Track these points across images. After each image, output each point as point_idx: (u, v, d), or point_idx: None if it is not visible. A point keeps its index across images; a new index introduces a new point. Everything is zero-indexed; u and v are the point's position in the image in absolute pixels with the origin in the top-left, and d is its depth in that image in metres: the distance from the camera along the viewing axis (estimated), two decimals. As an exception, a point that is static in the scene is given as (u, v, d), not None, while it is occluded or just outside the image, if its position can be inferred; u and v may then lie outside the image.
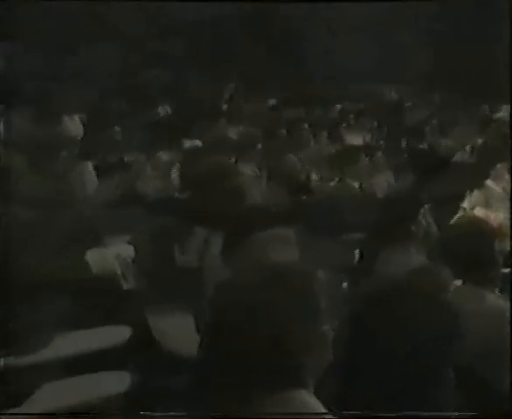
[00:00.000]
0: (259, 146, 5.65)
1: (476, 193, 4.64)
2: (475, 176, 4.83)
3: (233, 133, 6.15)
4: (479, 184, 4.72)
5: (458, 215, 4.51)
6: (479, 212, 4.44)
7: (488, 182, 4.82)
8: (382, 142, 6.20)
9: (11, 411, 2.87)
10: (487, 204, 4.55)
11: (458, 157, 5.73)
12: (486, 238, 3.16)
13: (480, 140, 5.89)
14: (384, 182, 5.32)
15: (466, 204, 4.59)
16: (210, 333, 2.41)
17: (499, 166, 4.96)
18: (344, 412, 2.41)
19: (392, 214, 3.87)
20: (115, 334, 2.90)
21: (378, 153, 5.68)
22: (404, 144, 6.27)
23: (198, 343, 2.67)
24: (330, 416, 2.18)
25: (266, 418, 2.46)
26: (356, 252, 4.05)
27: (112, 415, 3.02)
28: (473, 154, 5.63)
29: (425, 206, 4.26)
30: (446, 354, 2.72)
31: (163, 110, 6.27)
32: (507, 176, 4.87)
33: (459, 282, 3.16)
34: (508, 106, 6.25)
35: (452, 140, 6.22)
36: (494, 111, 6.68)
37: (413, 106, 7.09)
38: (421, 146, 6.13)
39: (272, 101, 6.85)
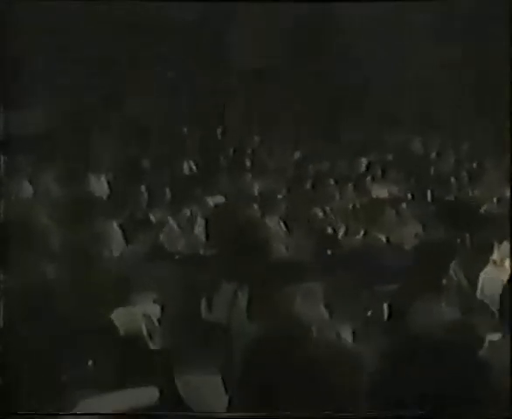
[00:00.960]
0: (285, 200, 5.64)
1: (505, 244, 4.57)
2: (504, 228, 4.76)
3: (258, 186, 6.15)
4: (507, 236, 4.65)
5: (488, 267, 4.45)
6: (508, 264, 4.37)
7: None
8: (409, 194, 6.16)
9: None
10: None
11: (486, 208, 5.67)
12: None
13: (507, 191, 5.82)
14: (411, 235, 5.26)
15: (495, 256, 4.51)
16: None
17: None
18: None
19: (422, 267, 3.81)
20: (143, 396, 2.85)
21: (405, 205, 5.64)
22: (430, 195, 6.22)
23: (227, 403, 2.63)
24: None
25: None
26: (385, 306, 3.98)
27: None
28: (501, 204, 5.56)
29: (456, 259, 4.22)
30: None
31: (188, 166, 6.30)
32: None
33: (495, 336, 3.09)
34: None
35: (479, 190, 6.17)
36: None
37: (440, 156, 7.06)
38: (448, 197, 6.08)
39: (297, 154, 6.86)
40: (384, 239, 5.12)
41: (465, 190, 6.24)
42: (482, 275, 4.39)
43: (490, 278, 4.34)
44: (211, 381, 3.13)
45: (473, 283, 4.40)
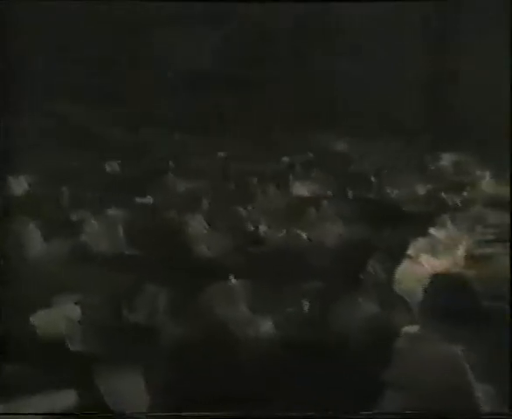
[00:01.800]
0: (209, 199, 5.64)
1: (420, 240, 4.71)
2: (420, 225, 4.90)
3: (182, 186, 6.12)
4: (423, 232, 4.79)
5: (404, 262, 4.56)
6: (423, 259, 4.50)
7: (432, 231, 4.90)
8: (330, 193, 6.23)
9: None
10: (431, 252, 4.62)
11: (404, 206, 5.81)
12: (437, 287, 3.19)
13: (424, 190, 5.98)
14: (332, 232, 5.35)
15: (411, 252, 4.64)
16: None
17: (443, 215, 5.05)
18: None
19: (341, 263, 3.88)
20: (61, 398, 2.82)
21: (326, 203, 5.71)
22: (351, 194, 6.31)
23: (148, 403, 2.62)
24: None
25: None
26: (305, 302, 4.04)
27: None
28: (418, 203, 5.71)
29: (375, 255, 4.32)
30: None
31: (110, 167, 6.22)
32: (450, 226, 4.96)
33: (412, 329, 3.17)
34: (448, 155, 6.40)
35: (397, 189, 6.30)
36: (435, 160, 6.80)
37: (361, 156, 7.17)
38: (369, 195, 6.19)
39: (220, 154, 6.86)
40: (305, 237, 5.19)
41: (384, 189, 6.36)
42: (399, 270, 4.51)
43: (406, 273, 4.46)
44: (132, 382, 3.11)
45: (390, 278, 4.51)
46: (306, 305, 4.06)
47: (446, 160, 6.59)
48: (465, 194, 6.00)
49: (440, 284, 3.17)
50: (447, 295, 3.06)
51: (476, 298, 3.18)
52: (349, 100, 7.06)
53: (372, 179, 6.62)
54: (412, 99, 6.63)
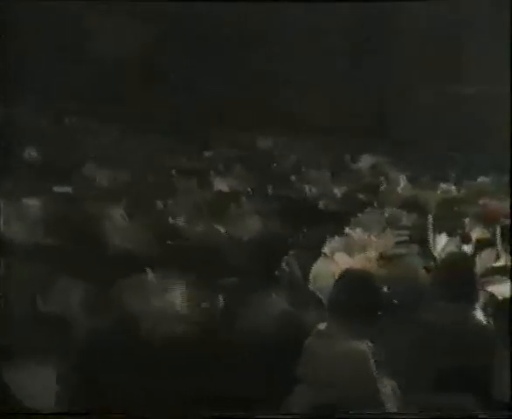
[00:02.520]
0: (129, 191, 5.59)
1: (336, 239, 4.78)
2: (336, 224, 4.97)
3: (102, 177, 6.04)
4: (339, 231, 4.87)
5: (319, 260, 4.62)
6: (338, 258, 4.57)
7: (347, 230, 4.99)
8: (249, 189, 6.28)
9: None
10: (346, 250, 4.70)
11: (321, 205, 5.89)
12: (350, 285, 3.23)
13: (341, 189, 6.09)
14: (250, 228, 5.37)
15: (326, 250, 4.71)
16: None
17: (359, 215, 5.15)
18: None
19: (257, 260, 3.90)
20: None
21: (245, 199, 5.75)
22: (271, 191, 6.37)
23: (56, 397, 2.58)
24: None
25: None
26: (220, 298, 4.05)
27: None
28: (335, 202, 5.81)
29: (291, 252, 4.36)
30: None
31: (28, 154, 6.10)
32: (365, 224, 5.06)
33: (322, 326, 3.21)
34: (368, 157, 6.55)
35: (316, 187, 6.39)
36: (355, 160, 6.94)
37: (282, 154, 7.24)
38: (287, 193, 6.26)
39: (143, 147, 6.80)
40: (223, 232, 5.20)
41: (303, 188, 6.45)
42: (314, 267, 4.57)
43: (321, 271, 4.52)
44: (42, 376, 3.06)
45: (305, 275, 4.56)
46: (221, 301, 4.07)
47: (365, 161, 6.73)
48: (380, 195, 6.14)
49: (346, 280, 3.22)
50: (352, 291, 3.12)
51: (379, 295, 3.25)
52: (273, 100, 7.12)
53: (292, 178, 6.70)
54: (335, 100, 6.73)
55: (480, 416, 3.12)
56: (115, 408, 3.04)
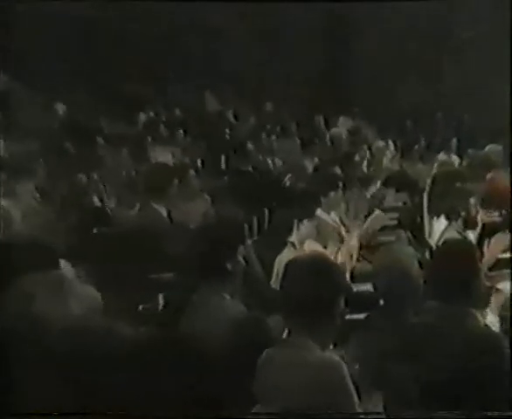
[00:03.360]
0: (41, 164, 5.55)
1: (306, 224, 4.74)
2: (305, 205, 4.94)
3: (12, 149, 6.01)
4: (309, 214, 4.83)
5: (285, 250, 4.59)
6: (309, 246, 4.54)
7: (319, 212, 4.96)
8: (198, 161, 6.25)
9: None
10: (318, 237, 4.67)
11: (286, 181, 5.88)
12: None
13: (312, 162, 6.08)
14: (198, 211, 5.33)
15: (294, 238, 4.67)
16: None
17: (332, 194, 5.14)
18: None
19: (206, 250, 3.84)
20: None
21: (193, 173, 5.71)
22: (224, 164, 6.36)
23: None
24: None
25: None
26: (161, 297, 3.93)
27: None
28: (304, 177, 5.78)
29: (249, 240, 4.32)
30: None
31: None
32: (342, 205, 5.04)
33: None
34: (346, 119, 6.52)
35: (281, 160, 6.38)
36: (329, 125, 6.91)
37: (238, 117, 7.21)
38: (244, 167, 6.23)
39: (61, 107, 6.73)
40: (165, 215, 5.15)
41: (264, 159, 6.43)
42: (278, 260, 4.52)
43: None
44: None
45: (267, 270, 4.53)
46: (160, 301, 4.05)
47: (342, 126, 6.69)
48: (361, 169, 6.13)
49: (296, 270, 3.13)
50: (305, 283, 3.04)
51: (342, 284, 3.18)
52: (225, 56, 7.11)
53: (249, 146, 6.64)
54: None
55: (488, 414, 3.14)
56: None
